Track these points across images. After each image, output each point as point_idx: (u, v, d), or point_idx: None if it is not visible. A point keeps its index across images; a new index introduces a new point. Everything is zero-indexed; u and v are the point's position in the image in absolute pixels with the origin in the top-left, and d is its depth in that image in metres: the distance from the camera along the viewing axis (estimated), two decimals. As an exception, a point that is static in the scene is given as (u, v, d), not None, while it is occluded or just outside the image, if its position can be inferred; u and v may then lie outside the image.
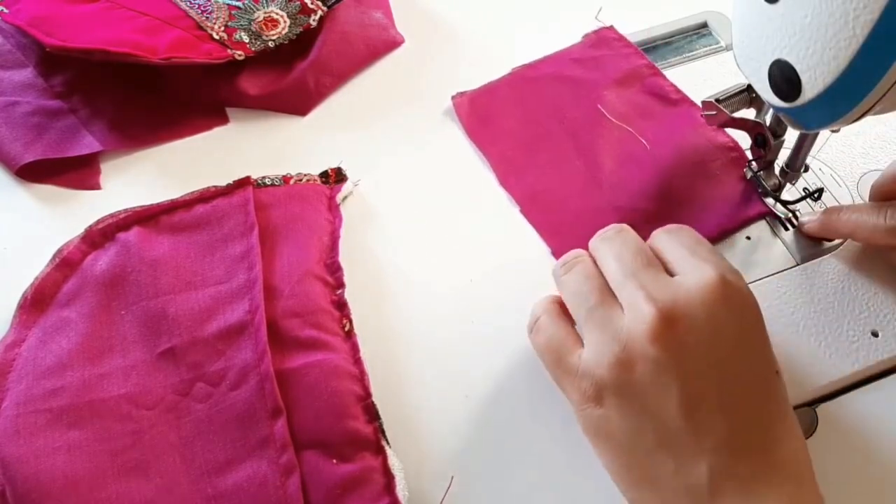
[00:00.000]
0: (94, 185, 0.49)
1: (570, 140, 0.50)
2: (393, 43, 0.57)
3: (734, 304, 0.34)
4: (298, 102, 0.53)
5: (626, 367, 0.33)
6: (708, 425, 0.32)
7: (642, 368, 0.33)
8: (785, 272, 0.44)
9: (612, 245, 0.37)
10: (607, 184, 0.48)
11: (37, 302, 0.42)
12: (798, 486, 0.32)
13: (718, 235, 0.45)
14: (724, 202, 0.46)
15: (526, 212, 0.47)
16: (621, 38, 0.55)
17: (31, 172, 0.49)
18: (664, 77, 0.52)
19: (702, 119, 0.47)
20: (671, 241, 0.37)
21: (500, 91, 0.53)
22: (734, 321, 0.34)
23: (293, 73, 0.53)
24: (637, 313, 0.34)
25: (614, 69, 0.53)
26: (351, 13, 0.56)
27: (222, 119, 0.53)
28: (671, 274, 0.36)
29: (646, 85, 0.52)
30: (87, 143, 0.50)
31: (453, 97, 0.52)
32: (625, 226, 0.38)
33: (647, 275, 0.35)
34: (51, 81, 0.53)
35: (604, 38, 0.55)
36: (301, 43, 0.53)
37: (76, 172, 0.50)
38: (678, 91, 0.51)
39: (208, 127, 0.52)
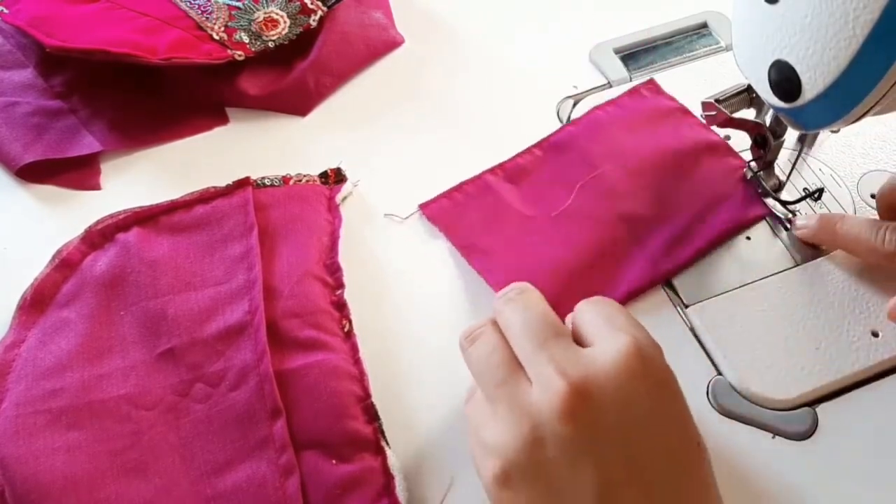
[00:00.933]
0: (94, 185, 0.49)
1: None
2: (393, 43, 0.57)
3: (649, 376, 0.32)
4: (298, 102, 0.53)
5: (536, 447, 0.31)
6: None
7: (553, 449, 0.30)
8: (785, 272, 0.44)
9: (515, 310, 0.34)
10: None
11: (36, 302, 0.42)
12: None
13: (718, 238, 0.45)
14: (724, 206, 0.46)
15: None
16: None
17: (31, 172, 0.49)
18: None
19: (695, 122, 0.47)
20: (590, 311, 0.35)
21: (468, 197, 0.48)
22: (649, 395, 0.32)
23: (293, 73, 0.53)
24: (546, 389, 0.31)
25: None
26: (351, 13, 0.56)
27: (222, 119, 0.53)
28: (585, 345, 0.33)
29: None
30: (87, 144, 0.50)
31: (420, 205, 0.48)
32: (527, 286, 0.36)
33: (557, 346, 0.33)
34: (51, 82, 0.53)
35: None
36: (301, 43, 0.53)
37: (76, 172, 0.50)
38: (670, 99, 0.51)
39: (208, 127, 0.52)
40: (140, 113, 0.52)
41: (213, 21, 0.53)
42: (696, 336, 0.42)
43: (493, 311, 0.36)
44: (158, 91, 0.53)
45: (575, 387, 0.31)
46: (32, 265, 0.43)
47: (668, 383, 0.33)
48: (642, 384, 0.32)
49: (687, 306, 0.43)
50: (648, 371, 0.32)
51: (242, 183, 0.46)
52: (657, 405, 0.32)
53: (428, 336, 0.43)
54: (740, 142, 0.49)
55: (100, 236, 0.45)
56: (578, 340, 0.34)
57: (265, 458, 0.37)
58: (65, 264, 0.43)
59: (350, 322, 0.42)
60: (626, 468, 0.30)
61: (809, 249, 0.45)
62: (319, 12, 0.54)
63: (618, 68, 0.54)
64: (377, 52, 0.56)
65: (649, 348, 0.33)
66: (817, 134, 0.46)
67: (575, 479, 0.30)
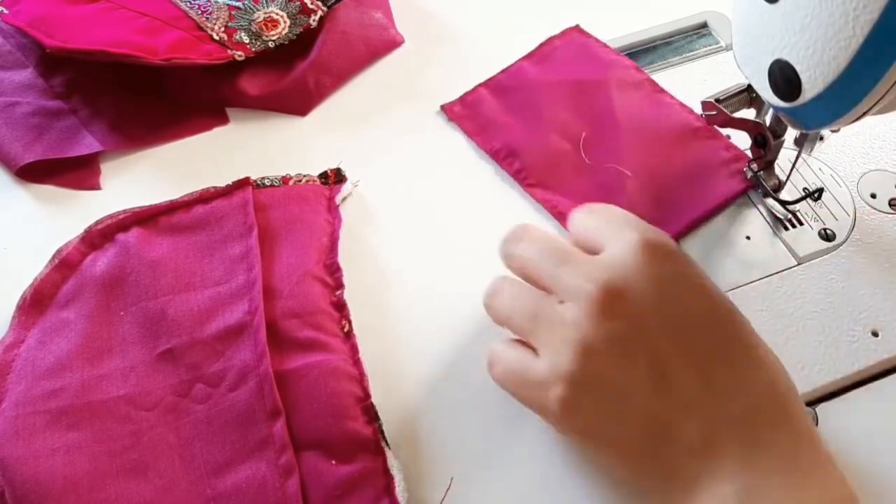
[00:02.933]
0: (94, 185, 0.49)
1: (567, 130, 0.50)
2: (393, 43, 0.57)
3: (668, 261, 0.34)
4: (298, 102, 0.53)
5: (589, 354, 0.33)
6: (682, 383, 0.33)
7: (604, 353, 0.33)
8: (785, 272, 0.44)
9: (526, 247, 0.37)
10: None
11: (36, 303, 0.42)
12: (787, 414, 0.33)
13: (705, 215, 0.46)
14: (709, 182, 0.47)
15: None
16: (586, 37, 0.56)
17: (31, 172, 0.49)
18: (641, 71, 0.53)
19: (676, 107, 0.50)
20: (588, 219, 0.37)
21: (487, 97, 0.53)
22: (672, 275, 0.34)
23: (293, 73, 0.53)
24: (580, 299, 0.33)
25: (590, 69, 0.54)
26: (351, 13, 0.56)
27: (222, 119, 0.53)
28: (597, 253, 0.36)
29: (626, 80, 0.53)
30: (87, 144, 0.50)
31: (443, 106, 0.53)
32: (526, 225, 0.38)
33: (576, 260, 0.35)
34: (51, 82, 0.53)
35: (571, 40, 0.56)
36: (301, 43, 0.53)
37: (76, 172, 0.50)
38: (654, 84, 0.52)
39: (208, 127, 0.52)
40: (140, 113, 0.52)
41: (213, 21, 0.53)
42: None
43: (503, 258, 0.38)
44: (158, 91, 0.53)
45: (604, 287, 0.33)
46: (32, 265, 0.43)
47: (682, 260, 0.35)
48: (663, 268, 0.34)
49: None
50: (665, 256, 0.34)
51: (242, 183, 0.46)
52: (684, 284, 0.34)
53: (428, 336, 0.43)
54: (740, 141, 0.49)
55: (100, 236, 0.45)
56: (588, 251, 0.36)
57: (265, 459, 0.37)
58: (64, 264, 0.43)
59: (350, 322, 0.42)
60: (673, 343, 0.33)
61: (809, 249, 0.45)
62: (319, 12, 0.54)
63: (618, 68, 0.54)
64: (377, 52, 0.56)
65: (657, 237, 0.35)
66: (818, 134, 0.46)
67: (632, 370, 0.33)
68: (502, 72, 0.54)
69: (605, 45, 0.55)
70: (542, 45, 0.55)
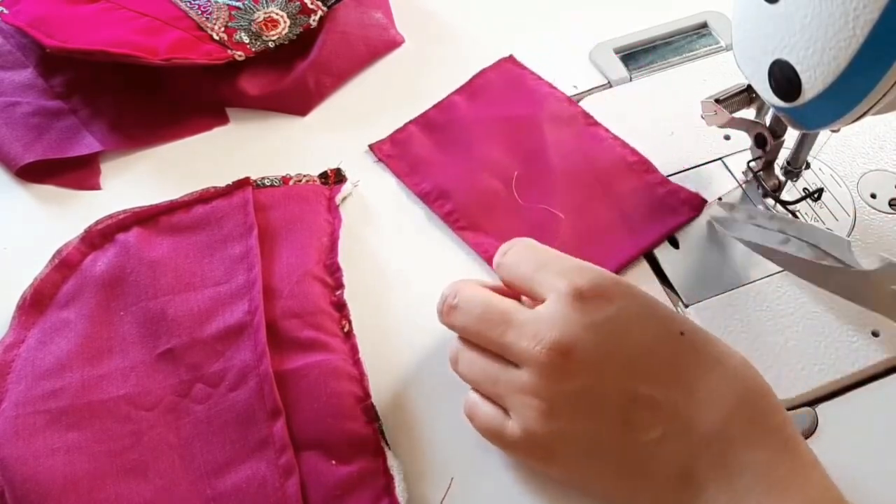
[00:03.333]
0: (94, 185, 0.49)
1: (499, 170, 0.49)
2: (393, 43, 0.57)
3: (601, 300, 0.34)
4: (298, 102, 0.53)
5: (554, 414, 0.33)
6: (649, 417, 0.33)
7: (568, 406, 0.33)
8: (785, 272, 0.44)
9: (464, 315, 0.37)
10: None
11: (36, 303, 0.42)
12: (761, 421, 0.33)
13: (640, 253, 0.45)
14: (648, 213, 0.47)
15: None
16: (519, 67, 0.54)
17: (31, 172, 0.49)
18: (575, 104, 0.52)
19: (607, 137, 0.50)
20: (512, 267, 0.38)
21: (417, 134, 0.51)
22: (612, 316, 0.34)
23: (293, 73, 0.53)
24: (532, 363, 0.34)
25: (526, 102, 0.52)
26: (351, 13, 0.56)
27: (222, 119, 0.53)
28: (534, 297, 0.36)
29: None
30: (87, 144, 0.50)
31: (371, 146, 0.50)
32: (456, 286, 0.38)
33: (517, 324, 0.35)
34: (51, 82, 0.53)
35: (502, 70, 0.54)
36: (301, 43, 0.53)
37: (76, 172, 0.50)
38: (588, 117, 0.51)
39: (208, 127, 0.52)
40: (140, 113, 0.52)
41: (213, 21, 0.53)
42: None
43: (446, 326, 0.38)
44: (158, 91, 0.53)
45: (553, 347, 0.33)
46: (32, 265, 0.43)
47: (623, 295, 0.35)
48: (602, 312, 0.34)
49: (687, 305, 0.43)
50: (599, 298, 0.34)
51: (242, 183, 0.46)
52: (626, 320, 0.34)
53: (428, 336, 0.43)
54: (740, 142, 0.49)
55: (100, 236, 0.45)
56: (520, 294, 0.38)
57: (265, 459, 0.37)
58: (64, 264, 0.43)
59: (350, 322, 0.42)
60: (632, 380, 0.33)
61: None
62: (319, 12, 0.54)
63: (618, 68, 0.54)
64: (377, 52, 0.56)
65: (586, 282, 0.35)
66: (817, 134, 0.46)
67: (598, 418, 0.34)
68: (433, 107, 0.52)
69: (539, 78, 0.53)
70: (474, 77, 0.54)
